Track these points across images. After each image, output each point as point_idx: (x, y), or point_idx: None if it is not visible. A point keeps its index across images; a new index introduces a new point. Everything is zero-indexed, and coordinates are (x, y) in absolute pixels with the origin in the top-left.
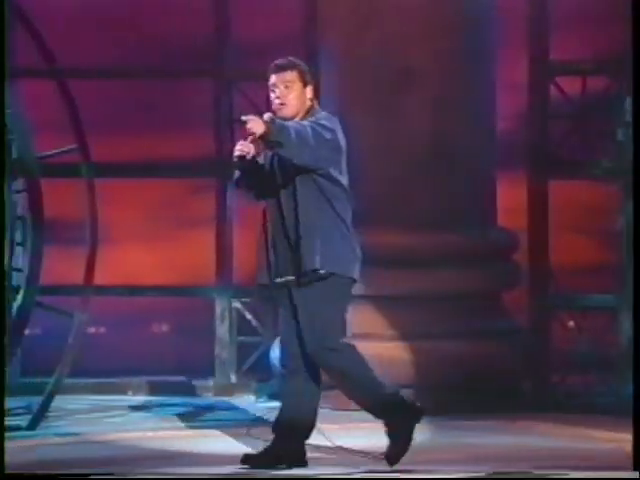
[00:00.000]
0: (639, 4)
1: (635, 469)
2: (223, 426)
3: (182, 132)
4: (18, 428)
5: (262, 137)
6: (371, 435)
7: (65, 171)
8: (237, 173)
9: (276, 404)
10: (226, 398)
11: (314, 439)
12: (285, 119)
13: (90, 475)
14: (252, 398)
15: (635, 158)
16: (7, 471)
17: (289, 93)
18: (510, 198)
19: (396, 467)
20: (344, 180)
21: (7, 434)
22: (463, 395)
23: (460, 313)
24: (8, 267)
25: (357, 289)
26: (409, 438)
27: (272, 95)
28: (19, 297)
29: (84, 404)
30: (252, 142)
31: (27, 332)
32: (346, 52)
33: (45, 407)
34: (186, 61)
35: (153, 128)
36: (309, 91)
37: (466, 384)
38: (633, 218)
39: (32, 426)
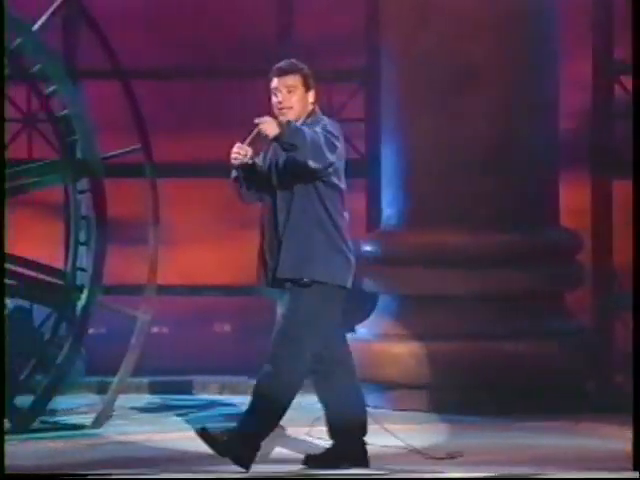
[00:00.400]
0: (639, 4)
1: (635, 469)
2: (284, 425)
3: (244, 132)
4: (82, 427)
5: (276, 139)
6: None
7: (128, 171)
8: (234, 172)
9: None
10: None
11: (382, 439)
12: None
13: (89, 475)
14: (314, 398)
15: (635, 158)
16: (7, 471)
17: (291, 97)
18: (574, 198)
19: (461, 469)
20: (343, 185)
21: (72, 432)
22: (526, 396)
23: (523, 313)
24: (72, 267)
25: (421, 289)
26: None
27: (274, 98)
28: (83, 297)
29: (147, 403)
30: (250, 144)
31: (91, 331)
32: (405, 51)
33: (109, 406)
34: (248, 61)
35: (215, 128)
36: (311, 95)
37: (529, 385)
38: (633, 218)
39: (96, 425)
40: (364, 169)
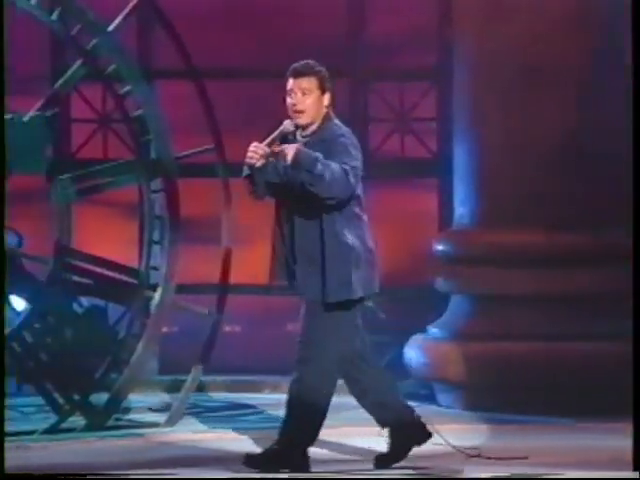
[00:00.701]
0: (639, 4)
1: (635, 469)
2: (356, 425)
3: None
4: (155, 425)
5: (294, 166)
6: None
7: (201, 171)
8: (246, 170)
9: (410, 404)
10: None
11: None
12: (301, 126)
13: (88, 475)
14: None
15: (635, 158)
16: (8, 471)
17: (306, 100)
18: None
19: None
20: (359, 190)
21: (145, 430)
22: (594, 396)
23: (594, 314)
24: (145, 266)
25: (493, 289)
26: None
27: (288, 100)
28: (156, 295)
29: (220, 402)
30: (269, 145)
31: (164, 330)
32: (478, 50)
33: (182, 404)
34: (321, 60)
35: None
36: (327, 98)
37: (597, 385)
38: (633, 218)
39: (169, 423)
40: (436, 168)
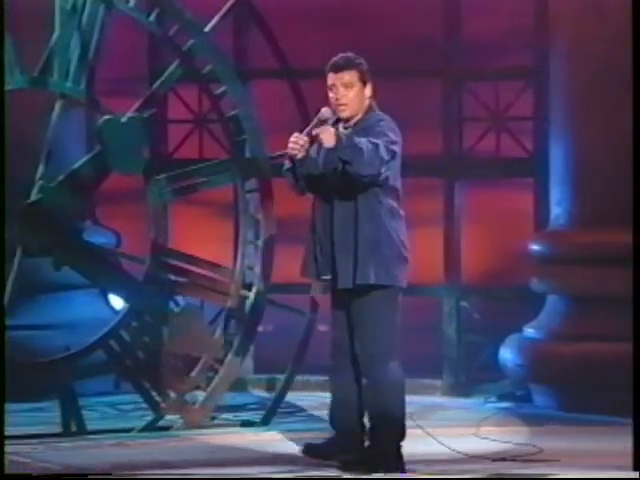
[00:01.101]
0: (639, 4)
1: (635, 469)
2: (451, 426)
3: (410, 131)
4: (252, 424)
5: (332, 150)
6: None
7: None
8: (287, 164)
9: (506, 405)
10: (454, 398)
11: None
12: (344, 120)
13: (89, 475)
14: (481, 398)
15: (635, 158)
16: (7, 471)
17: (348, 93)
18: None
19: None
20: (399, 184)
21: (241, 429)
22: None
23: None
24: (241, 265)
25: (590, 290)
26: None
27: (330, 94)
28: (252, 295)
29: (315, 401)
30: (308, 135)
31: (259, 329)
32: (577, 50)
33: (277, 403)
34: (416, 60)
35: None
36: (368, 90)
37: None
38: (633, 218)
39: (265, 422)
40: (531, 168)
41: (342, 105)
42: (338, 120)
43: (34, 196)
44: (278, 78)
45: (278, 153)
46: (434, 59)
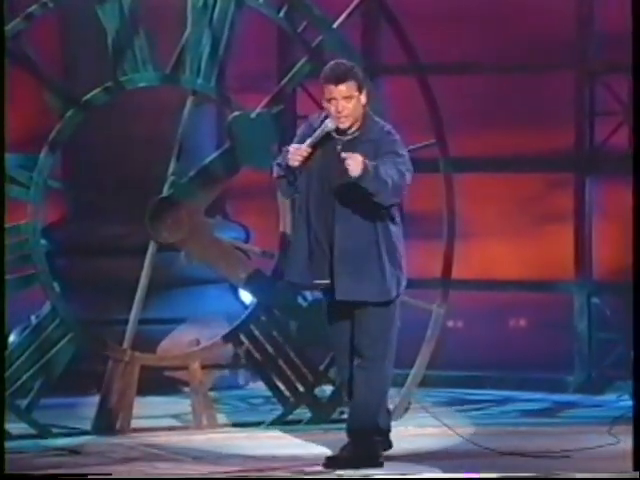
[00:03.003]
0: (639, 4)
1: (635, 469)
2: (583, 423)
3: (541, 126)
4: None
5: (358, 178)
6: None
7: (424, 166)
8: (277, 169)
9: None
10: (586, 395)
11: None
12: (342, 130)
13: (89, 475)
14: (614, 396)
15: (635, 158)
16: (7, 471)
17: (348, 104)
18: None
19: None
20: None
21: None
22: None
23: None
24: None
25: None
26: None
27: (329, 106)
28: None
29: (443, 397)
30: (312, 146)
31: None
32: None
33: (405, 399)
34: (547, 55)
35: (512, 123)
36: (364, 98)
37: None
38: (633, 218)
39: (393, 417)
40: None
41: (343, 117)
42: (337, 130)
43: (166, 192)
44: (407, 74)
45: (407, 148)
46: (567, 53)
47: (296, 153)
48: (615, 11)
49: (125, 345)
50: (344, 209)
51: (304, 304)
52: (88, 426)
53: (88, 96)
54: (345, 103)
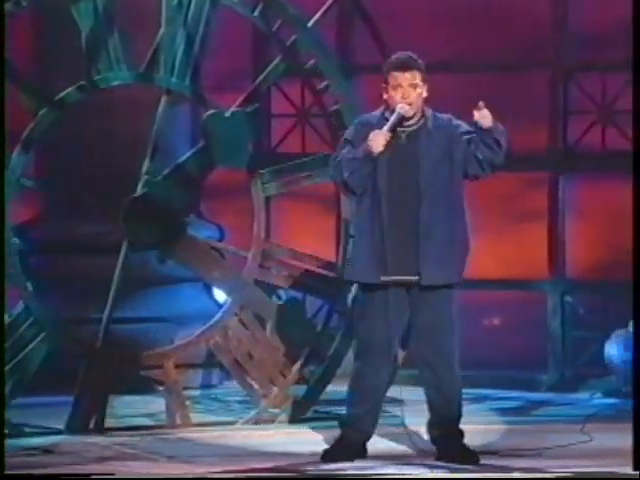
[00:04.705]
0: (639, 4)
1: (635, 469)
2: (556, 422)
3: (515, 125)
4: None
5: (488, 129)
6: None
7: None
8: (354, 163)
9: (612, 401)
10: (560, 393)
11: None
12: (407, 118)
13: (90, 475)
14: (587, 394)
15: (635, 158)
16: (7, 471)
17: (413, 92)
18: None
19: None
20: None
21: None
22: None
23: None
24: (343, 259)
25: None
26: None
27: (393, 93)
28: (353, 289)
29: (418, 395)
30: (390, 130)
31: None
32: None
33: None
34: (522, 54)
35: None
36: (426, 91)
37: None
38: (633, 218)
39: None
40: (638, 161)
41: (408, 104)
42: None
43: (140, 191)
44: (382, 73)
45: None
46: (541, 52)
47: (378, 139)
48: (589, 12)
49: (99, 344)
50: (430, 194)
51: (278, 303)
52: (62, 425)
53: (61, 95)
54: (410, 90)
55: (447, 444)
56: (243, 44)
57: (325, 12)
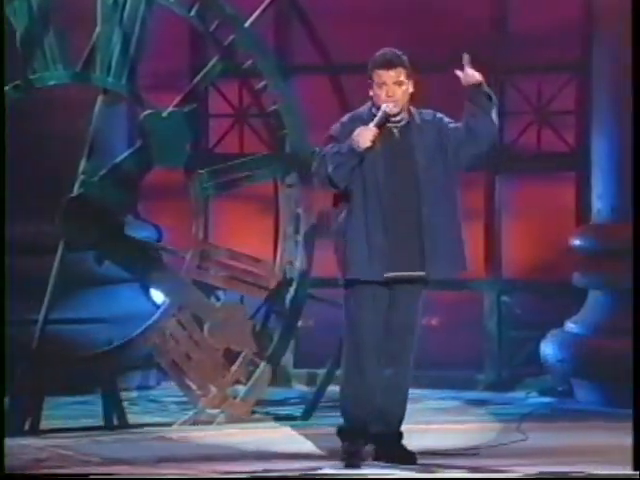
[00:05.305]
0: (639, 4)
1: (635, 469)
2: (493, 421)
3: None
4: (293, 418)
5: (476, 86)
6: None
7: None
8: (343, 158)
9: (548, 400)
10: (497, 393)
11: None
12: (393, 115)
13: (90, 475)
14: (523, 393)
15: (635, 158)
16: (7, 471)
17: (398, 89)
18: None
19: None
20: None
21: (282, 423)
22: None
23: None
24: (281, 260)
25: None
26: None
27: (379, 91)
28: (292, 289)
29: None
30: (376, 127)
31: (300, 324)
32: (620, 43)
33: (318, 398)
34: (459, 54)
35: None
36: (411, 87)
37: None
38: (633, 218)
39: (306, 416)
40: (573, 162)
41: (393, 101)
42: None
43: (76, 190)
44: (320, 73)
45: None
46: (478, 53)
47: (366, 134)
48: (527, 13)
49: (35, 345)
50: (428, 189)
51: (217, 304)
52: None
53: None
54: (396, 88)
55: (385, 444)
56: (180, 44)
57: (263, 12)
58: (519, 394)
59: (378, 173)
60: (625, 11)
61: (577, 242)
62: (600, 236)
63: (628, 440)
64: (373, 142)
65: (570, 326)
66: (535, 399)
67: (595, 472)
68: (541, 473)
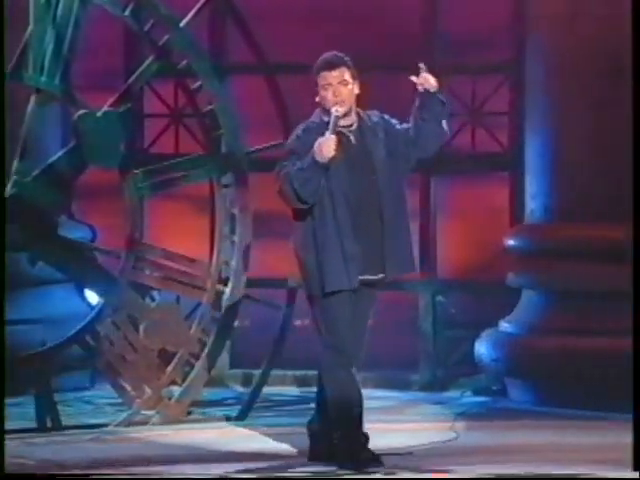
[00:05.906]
0: (639, 4)
1: (635, 469)
2: (427, 420)
3: None
4: (228, 418)
5: (433, 93)
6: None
7: (271, 166)
8: (303, 174)
9: (482, 399)
10: (431, 392)
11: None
12: (343, 116)
13: (90, 475)
14: (457, 393)
15: (635, 157)
16: (7, 471)
17: (344, 89)
18: None
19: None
20: None
21: (218, 423)
22: None
23: None
24: (217, 260)
25: (566, 284)
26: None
27: (325, 93)
28: (228, 290)
29: (291, 396)
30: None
31: (236, 324)
32: (554, 45)
33: (254, 398)
34: (392, 56)
35: None
36: (357, 88)
37: None
38: (633, 218)
39: (241, 417)
40: (506, 162)
41: (340, 101)
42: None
43: (9, 191)
44: (255, 73)
45: (255, 148)
46: (411, 54)
47: (327, 144)
48: (459, 13)
49: None
50: (387, 191)
51: (152, 304)
52: None
53: None
54: (341, 88)
55: (350, 447)
56: (115, 44)
57: (197, 12)
58: (454, 394)
59: (343, 180)
60: (556, 12)
61: (511, 242)
62: (534, 236)
63: (561, 438)
64: (336, 150)
65: (504, 325)
66: (470, 398)
67: (595, 473)
68: (541, 474)
